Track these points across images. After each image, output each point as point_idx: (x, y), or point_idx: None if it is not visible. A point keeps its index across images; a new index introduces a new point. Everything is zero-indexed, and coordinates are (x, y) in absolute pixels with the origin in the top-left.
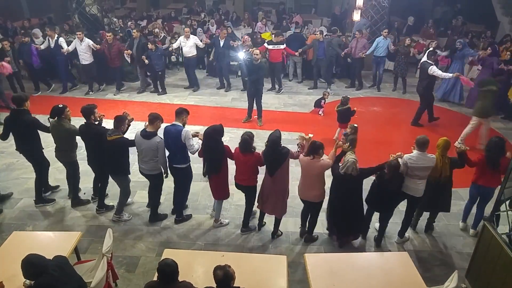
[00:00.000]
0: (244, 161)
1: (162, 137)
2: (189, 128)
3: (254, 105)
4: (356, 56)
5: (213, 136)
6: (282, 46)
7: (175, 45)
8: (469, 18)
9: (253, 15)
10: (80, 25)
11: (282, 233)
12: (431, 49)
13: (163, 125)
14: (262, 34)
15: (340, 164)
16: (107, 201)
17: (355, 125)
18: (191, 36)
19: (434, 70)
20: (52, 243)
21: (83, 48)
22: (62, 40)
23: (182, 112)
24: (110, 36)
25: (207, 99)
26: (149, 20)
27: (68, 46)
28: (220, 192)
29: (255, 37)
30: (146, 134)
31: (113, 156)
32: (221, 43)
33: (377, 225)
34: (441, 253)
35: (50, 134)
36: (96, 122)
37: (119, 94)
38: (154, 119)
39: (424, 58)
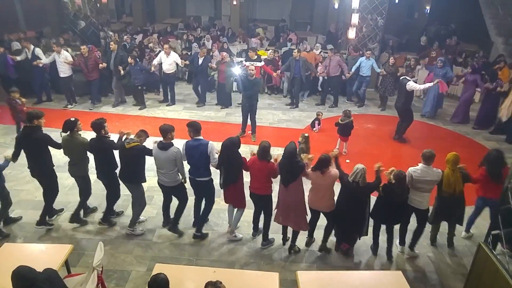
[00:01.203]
0: (259, 168)
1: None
2: (181, 142)
3: (249, 120)
4: (330, 75)
5: (230, 147)
6: (259, 64)
7: (155, 61)
8: (463, 38)
9: (249, 31)
10: (77, 39)
11: (299, 249)
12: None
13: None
14: (258, 51)
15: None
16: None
17: (306, 134)
18: (172, 53)
19: (411, 85)
20: (43, 255)
21: (61, 61)
22: (38, 51)
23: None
24: (84, 49)
25: (202, 113)
26: (145, 35)
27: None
28: (238, 201)
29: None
30: (162, 146)
31: (129, 164)
32: (200, 61)
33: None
34: (436, 273)
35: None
36: (107, 136)
37: (115, 108)
38: (166, 132)
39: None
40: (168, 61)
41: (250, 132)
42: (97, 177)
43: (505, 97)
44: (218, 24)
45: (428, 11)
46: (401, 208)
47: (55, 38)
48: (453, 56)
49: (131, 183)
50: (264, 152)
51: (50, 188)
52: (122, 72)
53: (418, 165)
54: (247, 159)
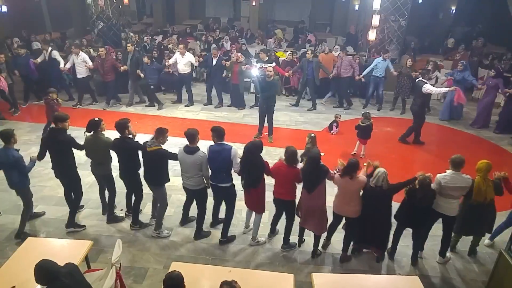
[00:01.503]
0: (286, 174)
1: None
2: (202, 144)
3: (265, 122)
4: (342, 75)
5: (253, 151)
6: (271, 65)
7: (171, 61)
8: (491, 39)
9: (267, 33)
10: (99, 40)
11: (321, 252)
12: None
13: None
14: (276, 52)
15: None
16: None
17: (313, 134)
18: (187, 53)
19: (428, 87)
20: (64, 250)
21: (79, 62)
22: (55, 53)
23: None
24: (102, 51)
25: (219, 114)
26: (165, 36)
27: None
28: (258, 206)
29: (269, 54)
30: (189, 150)
31: (151, 166)
32: (214, 62)
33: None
34: (454, 279)
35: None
36: (130, 136)
37: (132, 107)
38: (193, 136)
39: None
40: (183, 61)
41: (267, 133)
42: (120, 177)
43: None
44: (237, 25)
45: (454, 12)
46: (425, 213)
47: (78, 39)
48: (480, 58)
49: (154, 185)
50: (293, 157)
51: (74, 189)
52: (141, 75)
53: (446, 172)
54: (269, 163)
